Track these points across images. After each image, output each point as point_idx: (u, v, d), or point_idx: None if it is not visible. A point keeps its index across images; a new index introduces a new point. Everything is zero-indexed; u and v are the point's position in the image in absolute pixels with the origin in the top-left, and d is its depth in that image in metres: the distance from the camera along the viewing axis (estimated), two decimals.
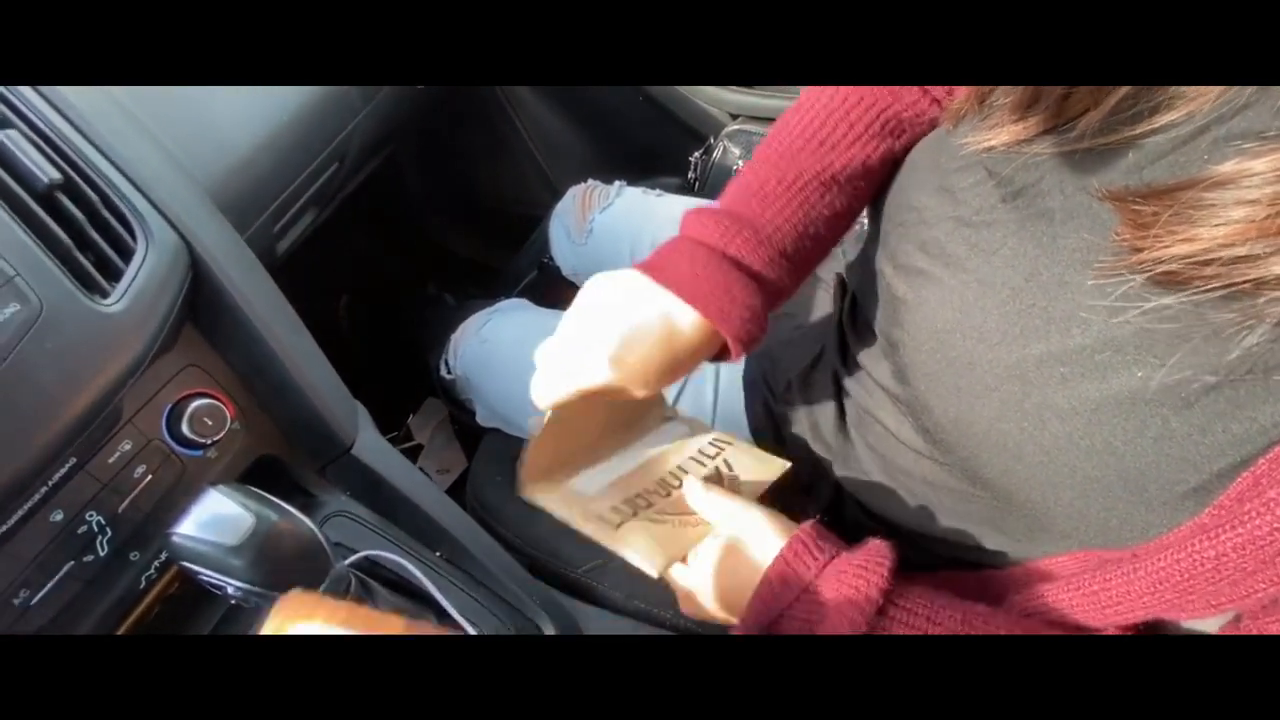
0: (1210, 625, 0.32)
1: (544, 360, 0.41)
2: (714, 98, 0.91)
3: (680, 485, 0.46)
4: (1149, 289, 0.29)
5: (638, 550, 0.41)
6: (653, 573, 0.40)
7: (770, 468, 0.48)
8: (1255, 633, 0.30)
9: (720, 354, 0.44)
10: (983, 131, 0.36)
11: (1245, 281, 0.26)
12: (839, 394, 0.51)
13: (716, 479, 0.46)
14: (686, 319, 0.41)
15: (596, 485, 0.46)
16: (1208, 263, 0.27)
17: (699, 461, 0.48)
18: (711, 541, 0.42)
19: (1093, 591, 0.34)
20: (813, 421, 0.55)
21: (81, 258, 0.41)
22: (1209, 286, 0.27)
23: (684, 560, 0.43)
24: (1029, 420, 0.32)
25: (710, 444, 0.50)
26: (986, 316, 0.34)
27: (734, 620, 0.42)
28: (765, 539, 0.40)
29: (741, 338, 0.41)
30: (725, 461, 0.48)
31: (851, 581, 0.36)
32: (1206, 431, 0.28)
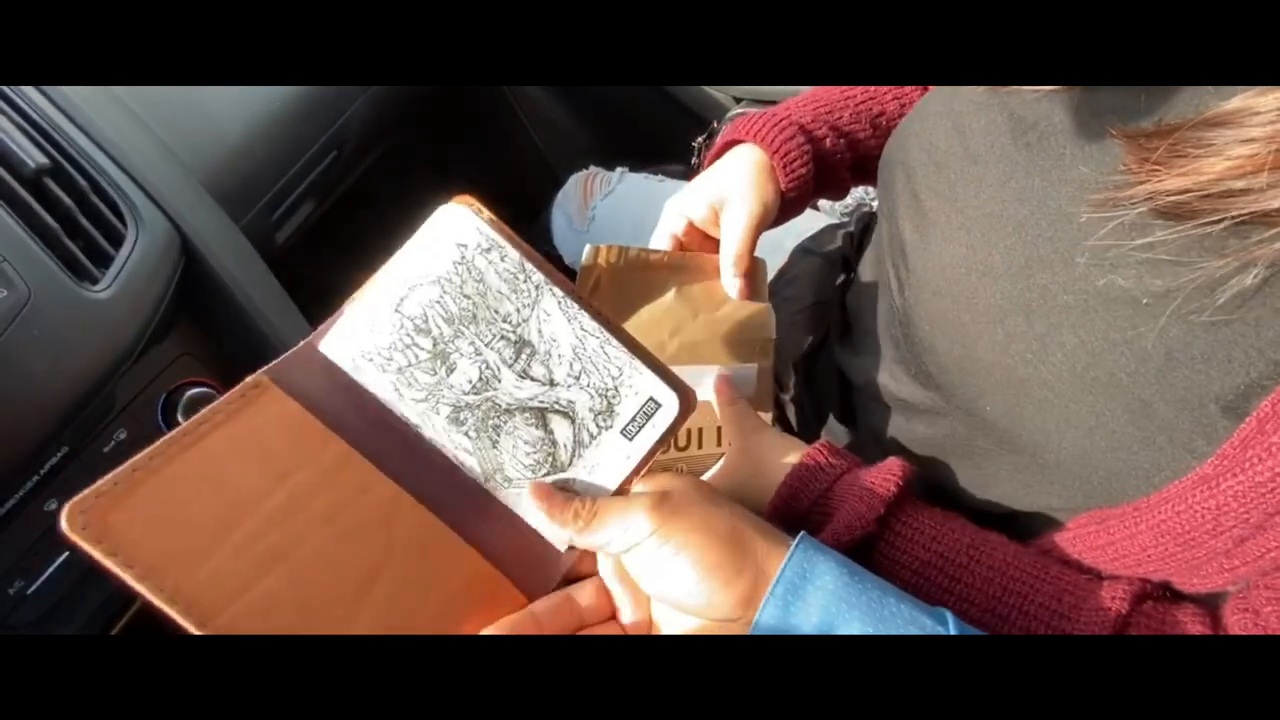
0: (1228, 592, 0.31)
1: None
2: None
3: (685, 449, 0.43)
4: (1149, 220, 0.29)
5: None
6: None
7: None
8: (1263, 589, 0.29)
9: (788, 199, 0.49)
10: (1002, 85, 0.36)
11: (1243, 214, 0.26)
12: (842, 376, 0.51)
13: (704, 467, 0.44)
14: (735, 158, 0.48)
15: None
16: (1206, 196, 0.27)
17: (715, 439, 0.45)
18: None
19: (1100, 545, 0.33)
20: (816, 405, 0.54)
21: (70, 244, 0.40)
22: (1207, 219, 0.27)
23: None
24: (1032, 353, 0.32)
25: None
26: (992, 249, 0.34)
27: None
28: (776, 453, 0.40)
29: (786, 161, 0.47)
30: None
31: (857, 493, 0.36)
32: (1210, 360, 0.28)
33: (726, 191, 0.46)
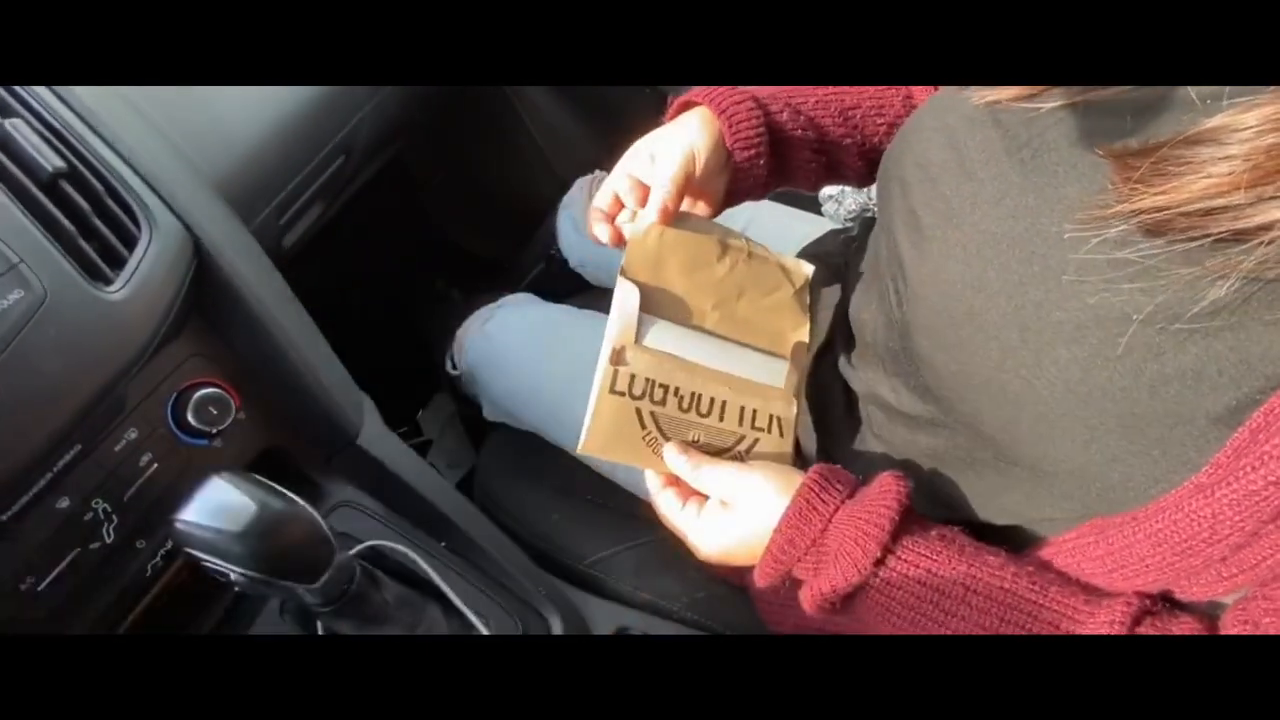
0: (1227, 602, 0.32)
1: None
2: None
3: (705, 415, 0.44)
4: (1135, 238, 0.29)
5: (594, 421, 0.41)
6: (577, 448, 0.42)
7: None
8: (1260, 600, 0.29)
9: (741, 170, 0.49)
10: (992, 85, 0.37)
11: (1223, 232, 0.27)
12: (844, 383, 0.51)
13: (725, 445, 0.45)
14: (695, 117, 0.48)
15: (659, 341, 0.44)
16: (1187, 214, 0.27)
17: (739, 417, 0.45)
18: (714, 509, 0.42)
19: (1097, 555, 0.33)
20: (820, 413, 0.54)
21: (85, 245, 0.41)
22: (1189, 236, 0.28)
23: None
24: (1027, 368, 0.33)
25: (770, 418, 0.47)
26: (987, 266, 0.35)
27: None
28: (768, 499, 0.40)
29: (731, 119, 0.47)
30: (754, 442, 0.45)
31: (854, 535, 0.37)
32: (1201, 376, 0.28)
33: (659, 142, 0.48)
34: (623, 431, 0.42)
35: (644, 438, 0.42)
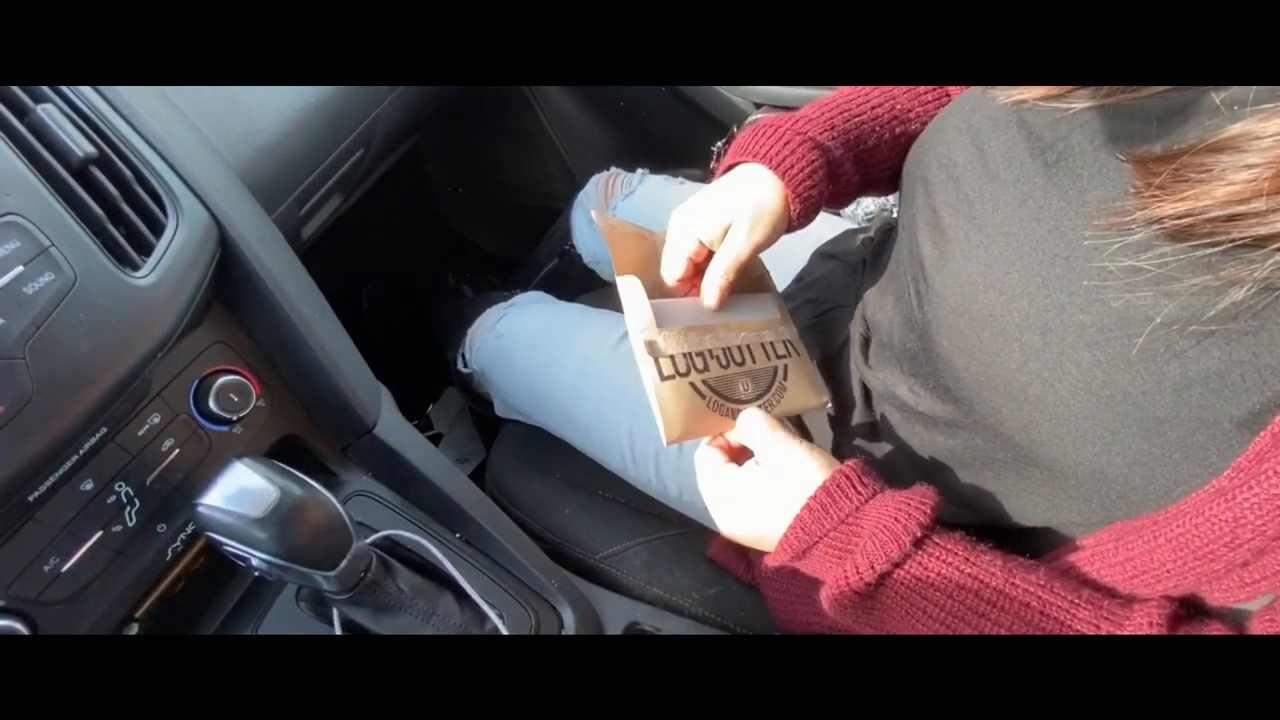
0: (1252, 609, 0.31)
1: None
2: (737, 87, 0.91)
3: (741, 364, 0.47)
4: (1158, 242, 0.30)
5: (664, 411, 0.43)
6: (663, 440, 0.43)
7: (814, 397, 0.50)
8: None
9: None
10: (1019, 85, 0.37)
11: (1244, 238, 0.27)
12: (862, 380, 0.51)
13: (768, 381, 0.48)
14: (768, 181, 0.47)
15: (673, 319, 0.46)
16: (1210, 220, 0.28)
17: (765, 353, 0.49)
18: (754, 468, 0.43)
19: (1118, 561, 0.33)
20: (837, 410, 0.54)
21: (114, 231, 0.41)
22: (1211, 241, 0.28)
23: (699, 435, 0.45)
24: (1049, 370, 0.33)
25: (783, 343, 0.51)
26: (1010, 268, 0.35)
27: (762, 546, 0.43)
28: (809, 470, 0.41)
29: (799, 193, 0.46)
30: (785, 368, 0.49)
31: (893, 512, 0.37)
32: (1224, 380, 0.28)
33: (735, 216, 0.46)
34: (691, 409, 0.44)
35: (708, 405, 0.45)
